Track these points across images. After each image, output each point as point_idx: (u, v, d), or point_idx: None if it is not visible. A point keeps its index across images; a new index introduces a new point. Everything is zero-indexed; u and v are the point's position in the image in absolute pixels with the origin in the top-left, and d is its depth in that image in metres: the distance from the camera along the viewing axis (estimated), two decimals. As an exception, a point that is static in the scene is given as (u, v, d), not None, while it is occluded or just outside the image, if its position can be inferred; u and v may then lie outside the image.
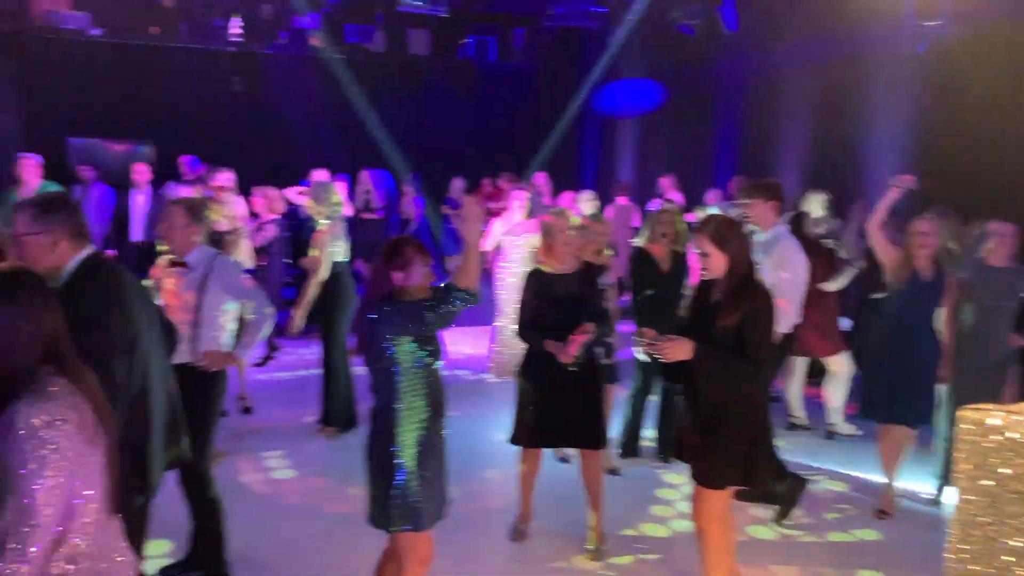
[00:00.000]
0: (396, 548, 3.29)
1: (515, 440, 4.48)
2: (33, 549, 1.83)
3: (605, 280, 5.21)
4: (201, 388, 3.81)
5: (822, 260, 6.00)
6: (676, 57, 10.70)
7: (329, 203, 5.78)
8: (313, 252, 5.74)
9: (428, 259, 3.27)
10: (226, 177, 6.73)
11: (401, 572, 3.26)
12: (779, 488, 4.74)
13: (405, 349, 3.14)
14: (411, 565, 3.23)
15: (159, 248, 4.15)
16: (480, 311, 8.07)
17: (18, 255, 3.01)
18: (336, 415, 5.95)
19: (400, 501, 3.14)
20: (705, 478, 3.53)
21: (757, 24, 9.43)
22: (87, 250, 2.99)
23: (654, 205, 10.02)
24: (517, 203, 7.45)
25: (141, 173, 9.13)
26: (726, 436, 3.47)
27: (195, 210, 3.89)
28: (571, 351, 4.13)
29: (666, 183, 10.51)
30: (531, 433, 4.42)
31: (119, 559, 2.04)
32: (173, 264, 3.90)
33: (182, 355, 3.76)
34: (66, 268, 2.92)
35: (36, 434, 1.85)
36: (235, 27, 14.08)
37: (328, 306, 5.80)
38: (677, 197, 10.43)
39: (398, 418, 3.17)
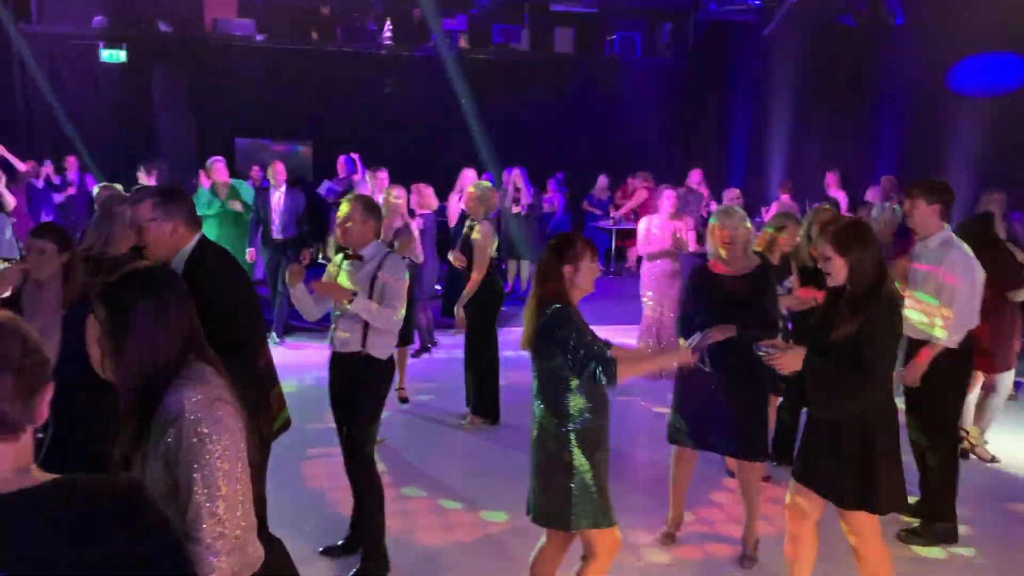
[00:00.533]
0: (586, 543, 3.31)
1: (671, 438, 4.40)
2: (223, 532, 1.80)
3: (788, 283, 5.01)
4: (367, 375, 3.95)
5: (1007, 266, 5.41)
6: (833, 49, 10.22)
7: (489, 203, 5.88)
8: (481, 251, 5.78)
9: (596, 255, 3.26)
10: (384, 176, 6.95)
11: (591, 563, 3.30)
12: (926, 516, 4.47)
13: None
14: (602, 557, 3.28)
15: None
16: (632, 309, 8.05)
17: (139, 240, 3.33)
18: (487, 408, 6.05)
19: (586, 500, 3.17)
20: (837, 500, 3.35)
21: (926, 14, 8.87)
22: (198, 236, 3.30)
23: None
24: (667, 202, 7.32)
25: (280, 173, 9.58)
26: (845, 455, 3.27)
27: (371, 206, 4.04)
28: (687, 356, 3.65)
29: (831, 179, 10.05)
30: (685, 433, 4.33)
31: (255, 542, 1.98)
32: (348, 257, 4.05)
33: (350, 344, 3.92)
34: (182, 252, 3.23)
35: (207, 414, 1.84)
36: (387, 31, 14.57)
37: (480, 301, 5.89)
38: (840, 196, 9.98)
39: (567, 417, 3.18)
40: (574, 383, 3.19)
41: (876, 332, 3.19)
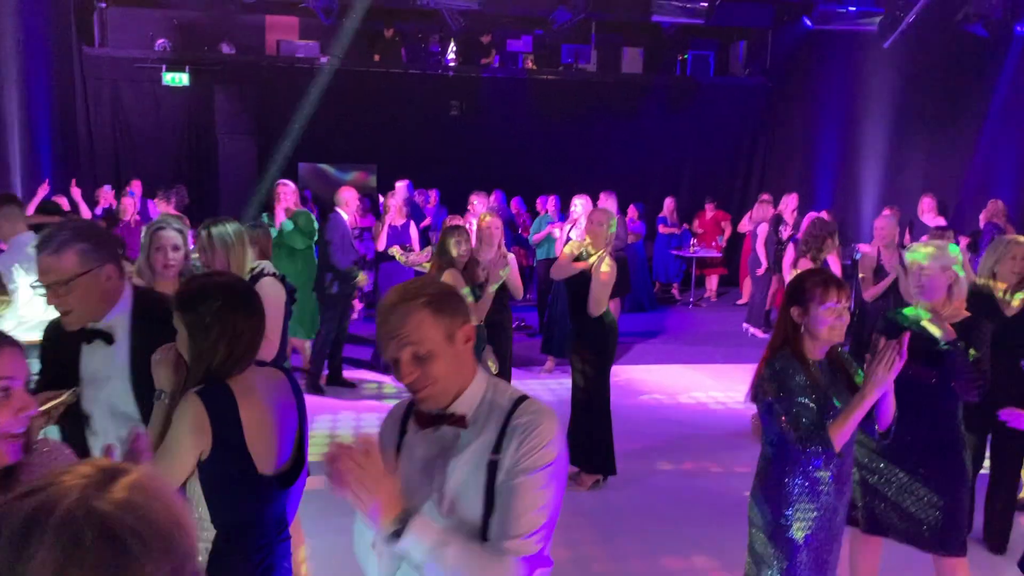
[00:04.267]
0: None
1: (850, 519, 3.70)
2: None
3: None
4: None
5: None
6: (950, 61, 9.49)
7: (608, 234, 5.23)
8: (605, 287, 5.15)
9: (839, 295, 2.65)
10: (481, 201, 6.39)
11: None
12: None
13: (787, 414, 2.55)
14: None
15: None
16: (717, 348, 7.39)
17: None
18: (602, 462, 5.40)
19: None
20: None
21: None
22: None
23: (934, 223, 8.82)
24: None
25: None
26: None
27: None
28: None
29: (927, 204, 9.25)
30: (863, 516, 3.64)
31: None
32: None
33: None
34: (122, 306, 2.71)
35: None
36: (452, 51, 14.16)
37: (598, 342, 5.27)
38: (939, 221, 9.21)
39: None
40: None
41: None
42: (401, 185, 10.10)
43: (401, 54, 13.96)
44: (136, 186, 10.21)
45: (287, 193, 7.13)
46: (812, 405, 2.63)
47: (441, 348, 1.73)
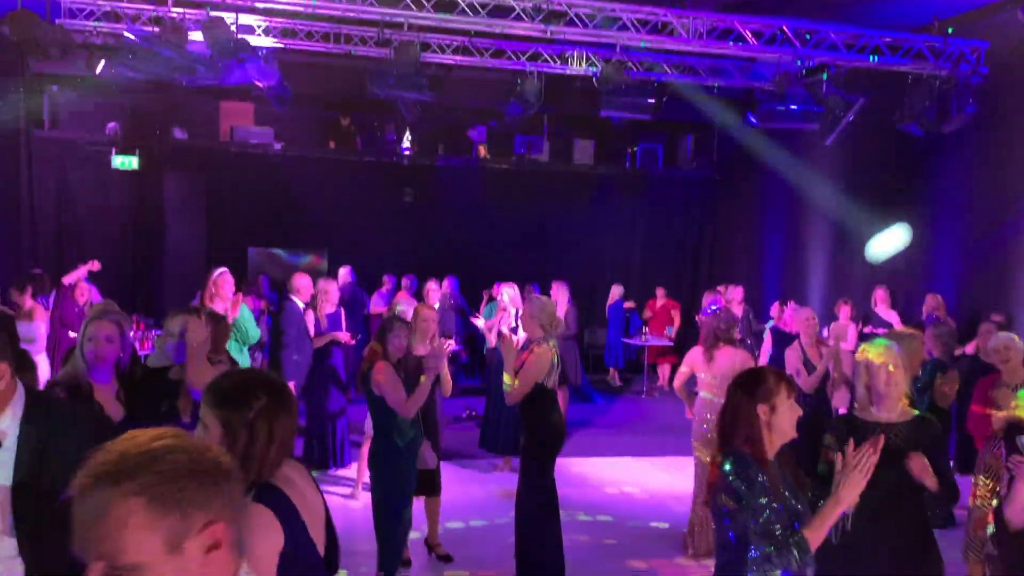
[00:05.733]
0: None
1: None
2: None
3: None
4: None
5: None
6: (888, 157, 9.84)
7: (551, 322, 5.16)
8: (523, 377, 5.07)
9: (794, 391, 2.65)
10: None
11: None
12: None
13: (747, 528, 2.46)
14: None
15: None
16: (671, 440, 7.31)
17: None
18: (553, 565, 5.19)
19: None
20: None
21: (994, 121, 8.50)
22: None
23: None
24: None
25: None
26: None
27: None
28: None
29: (880, 296, 9.45)
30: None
31: None
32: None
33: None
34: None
35: None
36: (407, 140, 14.31)
37: (536, 437, 5.14)
38: (892, 316, 9.38)
39: None
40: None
41: None
42: (344, 271, 10.05)
43: (357, 142, 14.08)
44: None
45: (225, 282, 6.82)
46: (781, 510, 2.56)
47: (157, 563, 1.19)
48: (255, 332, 7.24)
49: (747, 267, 13.49)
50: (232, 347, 6.43)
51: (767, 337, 8.86)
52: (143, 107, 12.85)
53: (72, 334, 7.72)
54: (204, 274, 7.31)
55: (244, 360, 6.82)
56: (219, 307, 6.47)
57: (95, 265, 8.67)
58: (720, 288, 10.82)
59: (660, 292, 13.22)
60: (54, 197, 12.63)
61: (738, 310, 10.12)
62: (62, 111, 12.95)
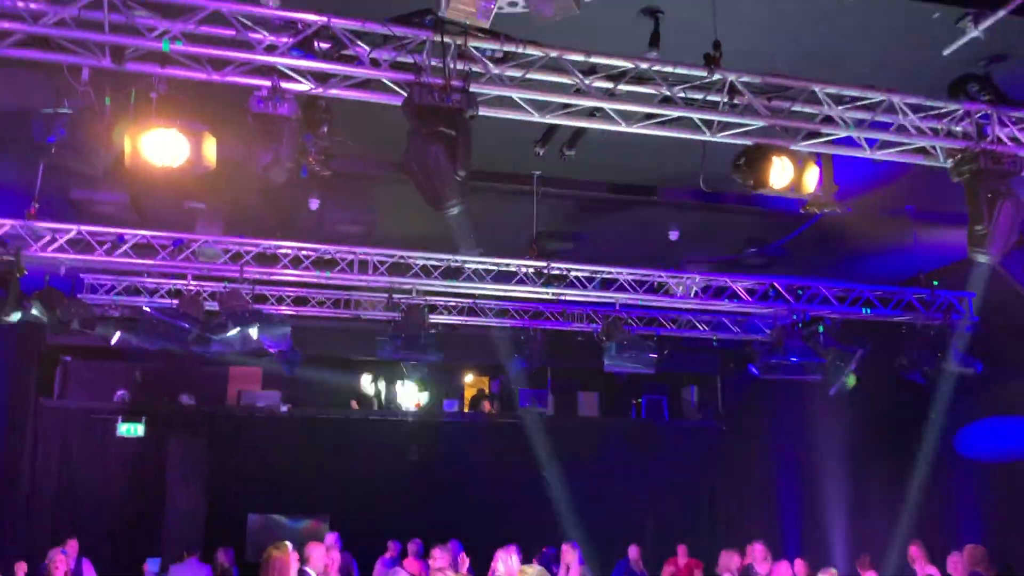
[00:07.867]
0: None
1: None
2: None
3: None
4: None
5: None
6: (891, 406, 9.83)
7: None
8: None
9: None
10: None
11: None
12: None
13: None
14: None
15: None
16: None
17: None
18: None
19: None
20: None
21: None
22: None
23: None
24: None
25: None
26: None
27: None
28: None
29: (916, 552, 8.81)
30: None
31: None
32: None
33: None
34: None
35: None
36: (413, 397, 14.41)
37: None
38: (934, 572, 8.75)
39: None
40: None
41: None
42: (330, 538, 9.74)
43: (372, 402, 14.19)
44: (72, 545, 9.60)
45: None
46: None
47: None
48: None
49: (764, 521, 12.99)
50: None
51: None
52: (152, 373, 13.04)
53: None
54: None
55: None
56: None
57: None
58: (732, 549, 10.31)
59: (682, 550, 12.46)
60: (56, 468, 12.44)
61: (762, 568, 9.57)
62: (72, 380, 13.13)
